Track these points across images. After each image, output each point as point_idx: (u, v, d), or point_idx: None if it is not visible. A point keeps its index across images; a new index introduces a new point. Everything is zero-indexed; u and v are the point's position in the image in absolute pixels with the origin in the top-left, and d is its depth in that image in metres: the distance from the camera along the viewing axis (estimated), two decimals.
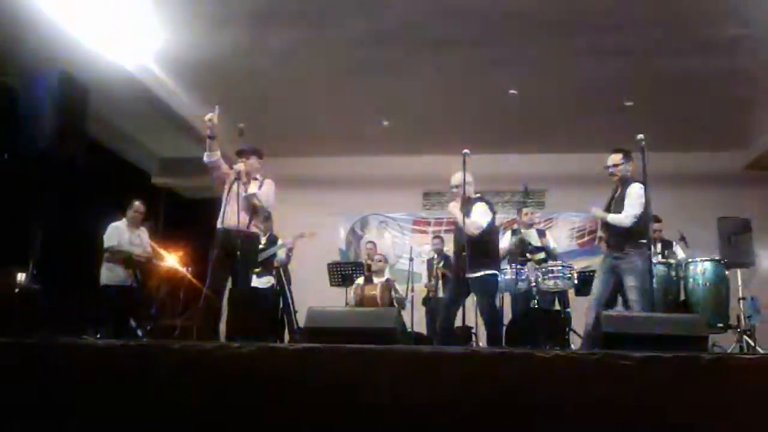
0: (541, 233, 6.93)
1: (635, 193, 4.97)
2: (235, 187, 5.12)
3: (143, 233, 6.77)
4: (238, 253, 4.96)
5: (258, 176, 5.36)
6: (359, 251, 10.20)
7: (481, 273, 5.20)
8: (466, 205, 5.36)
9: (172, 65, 7.43)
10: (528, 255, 6.47)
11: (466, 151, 5.33)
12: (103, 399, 2.67)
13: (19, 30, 6.08)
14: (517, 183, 9.56)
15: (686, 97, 7.82)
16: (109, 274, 6.40)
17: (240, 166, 5.20)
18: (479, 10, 6.27)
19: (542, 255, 6.54)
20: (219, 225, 5.16)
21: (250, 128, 8.84)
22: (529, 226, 6.87)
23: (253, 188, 5.22)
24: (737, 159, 9.42)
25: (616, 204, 5.11)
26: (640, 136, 4.92)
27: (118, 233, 6.53)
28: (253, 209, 5.23)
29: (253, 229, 5.31)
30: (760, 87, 7.48)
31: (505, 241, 6.70)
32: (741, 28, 6.34)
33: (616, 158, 5.17)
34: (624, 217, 4.95)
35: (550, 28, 6.55)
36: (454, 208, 5.45)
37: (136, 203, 6.73)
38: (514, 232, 6.84)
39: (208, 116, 5.06)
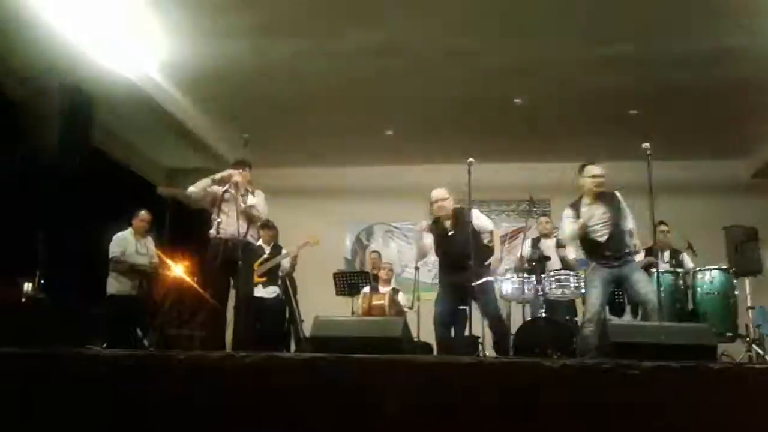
0: (559, 243, 6.90)
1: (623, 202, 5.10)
2: (227, 197, 5.20)
3: (149, 243, 6.78)
4: (239, 262, 4.99)
5: (248, 187, 5.44)
6: (365, 261, 10.18)
7: (484, 279, 5.30)
8: (460, 217, 5.42)
9: (176, 75, 7.46)
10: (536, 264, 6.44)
11: (471, 159, 5.34)
12: (108, 409, 2.66)
13: (23, 40, 6.12)
14: (522, 192, 9.56)
15: (691, 106, 7.81)
16: (116, 283, 6.41)
17: (237, 177, 5.26)
18: (483, 21, 6.29)
19: (557, 264, 6.53)
20: (214, 234, 5.21)
21: (255, 139, 8.95)
22: (548, 235, 6.88)
23: (251, 199, 5.30)
24: (743, 167, 9.39)
25: (614, 215, 5.06)
26: (646, 144, 4.91)
27: (124, 243, 6.54)
28: (251, 219, 5.29)
29: (250, 239, 5.34)
30: (766, 96, 7.46)
31: (525, 250, 6.72)
32: (745, 38, 6.34)
33: (600, 169, 5.22)
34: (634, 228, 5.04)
35: (554, 37, 6.57)
36: (427, 237, 5.65)
37: (142, 212, 6.75)
38: (535, 242, 6.85)
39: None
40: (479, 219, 5.54)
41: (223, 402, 2.60)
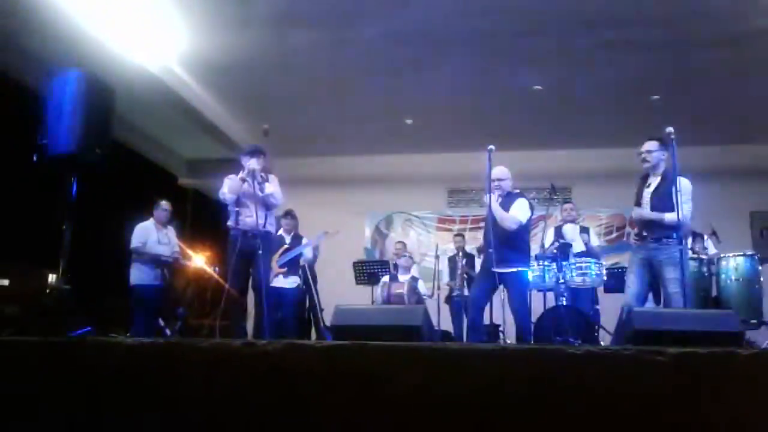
0: (583, 229, 6.83)
1: (688, 189, 4.76)
2: (246, 187, 5.16)
3: (171, 233, 6.83)
4: (259, 252, 5.00)
5: (264, 174, 5.39)
6: (384, 250, 10.19)
7: (515, 268, 5.14)
8: (506, 199, 5.30)
9: (195, 67, 7.49)
10: (555, 251, 6.38)
11: (491, 147, 5.26)
12: (132, 397, 2.69)
13: (44, 32, 6.17)
14: (543, 179, 9.47)
15: (716, 89, 7.69)
16: (138, 273, 6.46)
17: (253, 164, 5.20)
18: (503, 6, 6.23)
19: (580, 249, 6.47)
20: (233, 226, 5.19)
21: (274, 129, 8.97)
22: (572, 221, 6.82)
23: (269, 187, 5.27)
24: None
25: (658, 198, 4.89)
26: (669, 129, 4.81)
27: (145, 233, 6.59)
28: (269, 207, 5.29)
29: (269, 228, 5.35)
30: None
31: (549, 238, 6.65)
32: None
33: (650, 145, 4.98)
34: (684, 217, 4.65)
35: (575, 23, 6.48)
36: (494, 202, 5.36)
37: (163, 202, 6.79)
38: (558, 230, 6.78)
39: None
40: (516, 207, 5.26)
41: (245, 390, 2.61)
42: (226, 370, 2.68)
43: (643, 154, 4.95)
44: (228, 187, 5.23)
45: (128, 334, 5.66)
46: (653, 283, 4.87)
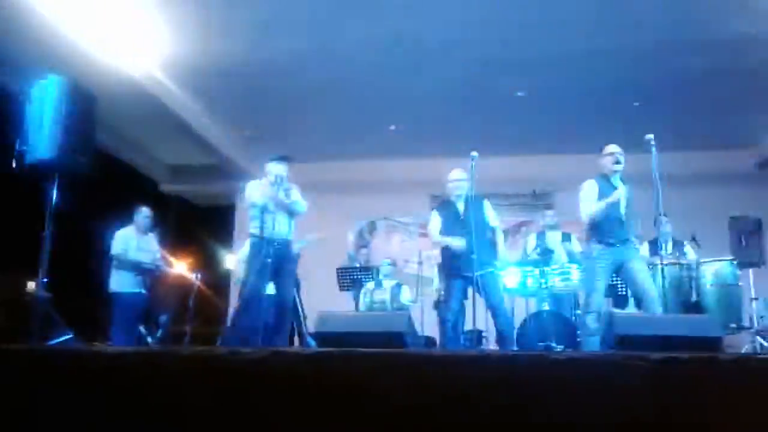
0: (566, 237, 6.87)
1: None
2: (271, 193, 5.06)
3: (152, 239, 6.77)
4: (283, 262, 4.97)
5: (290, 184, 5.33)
6: (368, 256, 10.18)
7: (491, 269, 5.26)
8: (474, 204, 5.36)
9: (178, 72, 7.46)
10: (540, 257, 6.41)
11: (474, 153, 5.31)
12: (113, 406, 2.66)
13: (25, 38, 6.11)
14: (525, 185, 9.54)
15: (696, 95, 7.79)
16: (119, 280, 6.40)
17: (282, 170, 5.13)
18: (486, 13, 6.27)
19: (556, 258, 6.50)
20: (258, 234, 5.04)
21: (258, 134, 8.94)
22: (553, 227, 6.86)
23: (295, 195, 5.22)
24: (748, 158, 9.35)
25: (627, 202, 5.01)
26: (650, 135, 4.89)
27: (126, 240, 6.53)
28: (293, 215, 5.23)
29: (292, 237, 5.29)
30: None
31: (531, 244, 6.70)
32: (750, 27, 6.30)
33: (620, 148, 5.12)
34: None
35: (557, 29, 6.54)
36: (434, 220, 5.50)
37: (144, 209, 6.74)
38: (540, 236, 6.82)
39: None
40: (490, 211, 5.49)
41: (229, 398, 2.59)
42: (209, 378, 2.65)
43: (616, 154, 5.03)
44: (260, 192, 5.11)
45: (109, 342, 5.60)
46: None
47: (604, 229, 4.93)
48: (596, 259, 4.93)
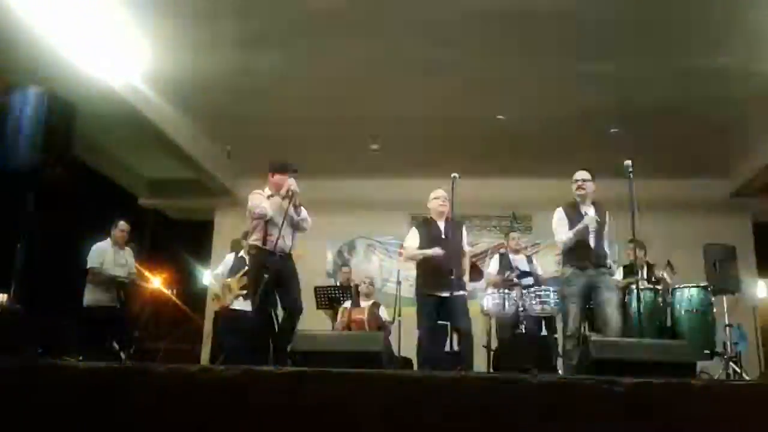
0: (529, 259, 6.94)
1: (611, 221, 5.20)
2: (282, 206, 4.97)
3: (128, 254, 6.70)
4: (286, 275, 4.91)
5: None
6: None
7: (463, 292, 5.30)
8: (453, 225, 5.40)
9: (160, 85, 7.43)
10: (515, 280, 6.43)
11: (455, 174, 5.35)
12: (84, 422, 2.61)
13: (7, 47, 6.06)
14: (504, 208, 9.60)
15: (672, 124, 7.93)
16: (93, 295, 6.32)
17: (294, 186, 5.03)
18: (467, 35, 6.35)
19: (530, 280, 6.52)
20: (264, 247, 4.95)
21: (238, 150, 8.91)
22: (517, 251, 6.88)
23: (304, 212, 5.16)
24: (723, 186, 9.53)
25: (598, 228, 5.10)
26: (628, 162, 4.96)
27: (102, 253, 6.46)
28: (298, 229, 5.18)
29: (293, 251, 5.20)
30: (745, 115, 7.59)
31: (493, 265, 6.70)
32: (724, 57, 6.45)
33: (585, 174, 5.23)
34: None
35: (538, 55, 6.63)
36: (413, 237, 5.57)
37: (121, 222, 6.67)
38: (502, 257, 6.83)
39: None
40: (466, 236, 5.62)
41: (201, 416, 2.56)
42: (182, 396, 2.62)
43: (579, 181, 5.14)
44: (271, 205, 4.99)
45: (81, 358, 5.50)
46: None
47: (575, 254, 5.06)
48: (568, 282, 5.05)
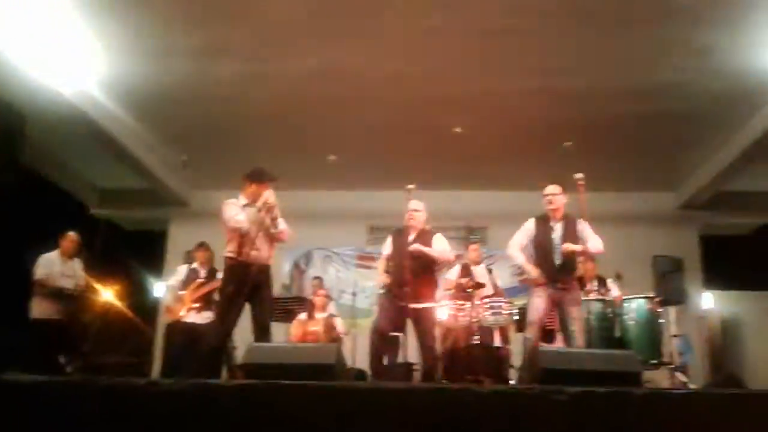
0: (489, 270, 7.00)
1: (590, 228, 5.16)
2: (256, 217, 4.84)
3: (77, 265, 6.55)
4: (260, 287, 4.80)
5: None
6: (303, 286, 10.08)
7: (428, 304, 5.27)
8: (423, 236, 5.41)
9: (115, 93, 7.30)
10: (471, 290, 6.48)
11: (410, 185, 5.40)
12: None
13: None
14: (460, 219, 9.69)
15: (622, 138, 8.15)
16: (39, 307, 6.16)
17: (272, 198, 4.92)
18: (425, 48, 6.43)
19: (489, 291, 6.60)
20: (235, 257, 4.79)
21: (194, 160, 8.81)
22: (478, 263, 6.95)
23: (282, 224, 5.02)
24: (671, 199, 9.83)
25: (568, 239, 5.14)
26: (579, 175, 5.08)
27: (50, 264, 6.31)
28: (275, 241, 5.05)
29: (270, 262, 5.08)
30: (692, 130, 7.84)
31: (453, 275, 6.75)
32: (676, 74, 6.66)
33: (555, 188, 5.29)
34: (601, 247, 5.12)
35: (496, 68, 6.76)
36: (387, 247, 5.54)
37: (70, 233, 6.53)
38: (464, 267, 6.90)
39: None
40: (442, 244, 5.48)
41: (147, 430, 2.52)
42: (128, 411, 2.58)
43: (548, 196, 5.22)
44: (246, 217, 4.84)
45: (24, 372, 5.35)
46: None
47: (541, 268, 5.10)
48: (533, 294, 5.11)
